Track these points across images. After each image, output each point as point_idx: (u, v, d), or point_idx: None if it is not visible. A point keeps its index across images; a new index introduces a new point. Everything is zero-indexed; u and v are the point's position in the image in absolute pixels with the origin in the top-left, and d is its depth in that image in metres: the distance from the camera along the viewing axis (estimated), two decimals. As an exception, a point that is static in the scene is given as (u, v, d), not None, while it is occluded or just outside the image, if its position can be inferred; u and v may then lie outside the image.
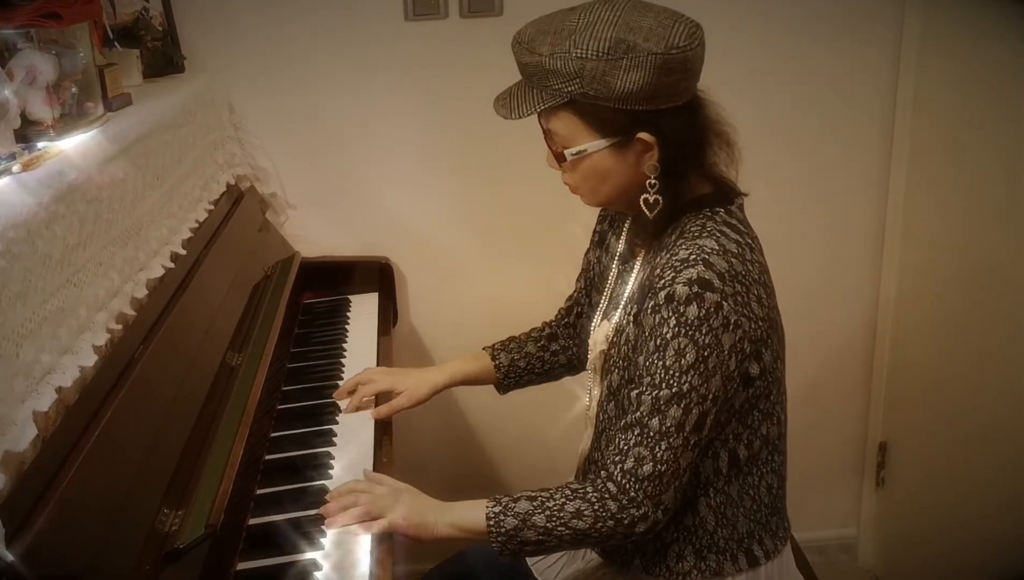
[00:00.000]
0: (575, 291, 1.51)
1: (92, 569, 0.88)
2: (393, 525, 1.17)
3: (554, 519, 1.12)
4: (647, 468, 1.09)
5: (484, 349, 1.55)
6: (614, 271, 1.32)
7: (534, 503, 1.14)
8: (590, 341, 1.31)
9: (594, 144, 1.14)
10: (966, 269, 1.86)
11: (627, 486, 1.10)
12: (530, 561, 1.42)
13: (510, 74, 1.21)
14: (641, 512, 1.11)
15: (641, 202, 1.16)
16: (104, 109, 1.32)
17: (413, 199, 2.06)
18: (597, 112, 1.12)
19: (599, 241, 1.42)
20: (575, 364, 1.52)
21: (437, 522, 1.18)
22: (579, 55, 1.08)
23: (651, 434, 1.09)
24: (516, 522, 1.13)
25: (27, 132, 1.14)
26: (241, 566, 1.13)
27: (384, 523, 1.17)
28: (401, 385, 1.51)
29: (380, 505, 1.19)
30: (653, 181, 1.14)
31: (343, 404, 1.51)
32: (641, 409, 1.10)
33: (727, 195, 1.20)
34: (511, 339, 1.55)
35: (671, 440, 1.09)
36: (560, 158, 1.18)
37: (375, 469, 1.34)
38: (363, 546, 1.15)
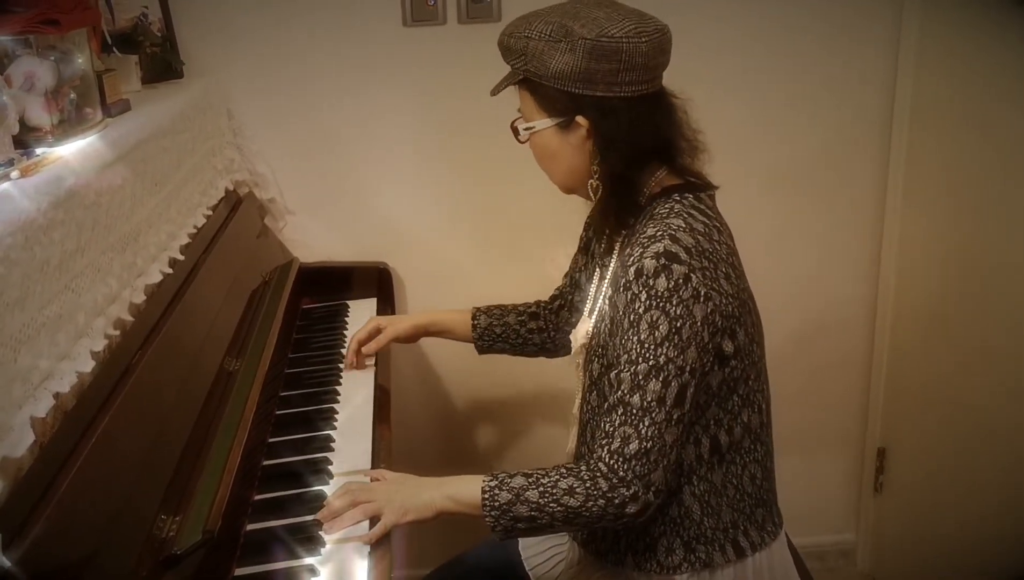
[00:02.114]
0: (562, 285, 1.56)
1: (89, 574, 0.88)
2: (391, 525, 1.18)
3: (547, 495, 1.14)
4: (633, 446, 1.11)
5: (472, 308, 1.62)
6: (597, 272, 1.35)
7: (529, 479, 1.16)
8: (571, 336, 1.32)
9: (541, 122, 1.23)
10: (965, 270, 1.86)
11: (616, 466, 1.12)
12: (527, 564, 1.42)
13: (509, 78, 1.22)
14: (631, 492, 1.11)
15: (588, 187, 1.23)
16: (103, 115, 1.32)
17: (411, 204, 2.06)
18: (543, 91, 1.20)
19: (584, 247, 1.46)
20: (548, 347, 1.59)
21: (434, 497, 1.20)
22: (527, 35, 1.18)
23: (634, 411, 1.11)
24: (510, 496, 1.15)
25: (25, 138, 1.15)
26: (239, 572, 1.13)
27: (381, 528, 1.17)
28: (386, 322, 1.65)
29: (377, 505, 1.19)
30: (595, 168, 1.20)
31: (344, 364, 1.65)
32: (622, 387, 1.12)
33: (697, 187, 1.23)
34: (499, 306, 1.62)
35: (654, 415, 1.10)
36: (515, 132, 1.28)
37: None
38: (361, 551, 1.16)
